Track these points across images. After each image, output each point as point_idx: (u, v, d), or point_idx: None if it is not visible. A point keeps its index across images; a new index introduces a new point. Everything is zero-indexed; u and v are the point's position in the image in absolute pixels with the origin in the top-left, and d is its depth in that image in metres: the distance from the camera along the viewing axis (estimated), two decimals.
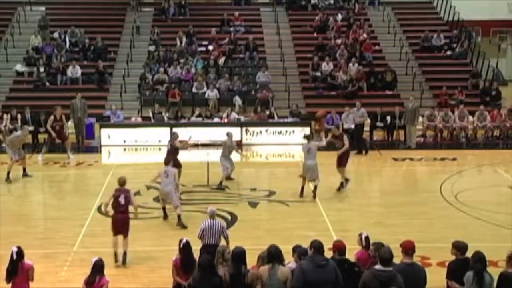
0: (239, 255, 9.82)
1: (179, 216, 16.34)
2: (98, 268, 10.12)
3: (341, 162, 19.57)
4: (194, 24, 34.36)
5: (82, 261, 13.59)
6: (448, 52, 33.66)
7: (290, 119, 27.23)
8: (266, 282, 9.51)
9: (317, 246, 9.64)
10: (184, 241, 11.19)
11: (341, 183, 19.51)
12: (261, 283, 9.52)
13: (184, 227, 16.06)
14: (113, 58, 33.17)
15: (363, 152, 24.58)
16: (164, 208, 16.94)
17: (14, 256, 10.47)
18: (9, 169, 20.52)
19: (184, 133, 25.53)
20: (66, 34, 33.48)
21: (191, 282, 10.01)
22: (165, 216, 16.85)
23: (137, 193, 19.12)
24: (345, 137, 19.86)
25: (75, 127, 26.14)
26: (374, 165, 23.79)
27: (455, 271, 9.95)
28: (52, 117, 24.14)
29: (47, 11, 35.90)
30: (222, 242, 12.14)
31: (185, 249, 11.09)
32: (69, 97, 27.28)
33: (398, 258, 9.71)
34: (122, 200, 13.83)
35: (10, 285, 10.53)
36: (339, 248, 10.13)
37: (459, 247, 10.09)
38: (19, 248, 10.56)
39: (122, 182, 14.18)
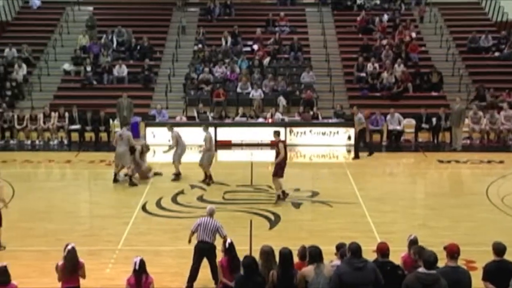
0: (287, 256, 9.83)
1: (130, 177, 19.96)
2: (143, 267, 10.22)
3: (277, 172, 18.30)
4: (239, 24, 34.47)
5: (126, 258, 13.72)
6: (496, 53, 33.18)
7: (334, 120, 27.14)
8: (313, 281, 9.52)
9: (354, 249, 9.57)
10: (229, 241, 11.26)
11: (278, 196, 18.28)
12: (307, 283, 9.54)
13: (134, 184, 19.81)
14: (159, 57, 33.45)
15: (370, 153, 24.20)
16: (116, 174, 20.25)
17: (72, 252, 10.59)
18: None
19: (227, 133, 25.78)
20: (113, 33, 33.86)
21: (235, 282, 10.05)
22: (115, 180, 20.17)
23: (181, 192, 19.31)
24: (281, 145, 18.31)
25: (121, 126, 26.43)
26: (419, 167, 23.61)
27: (490, 273, 9.88)
28: None
29: (95, 11, 36.39)
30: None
31: (230, 249, 11.15)
32: (115, 96, 27.65)
33: (441, 261, 9.62)
34: None
35: (61, 282, 10.70)
36: (381, 250, 10.06)
37: (495, 249, 10.02)
38: (73, 245, 10.71)
39: None
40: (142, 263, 10.21)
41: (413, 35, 33.42)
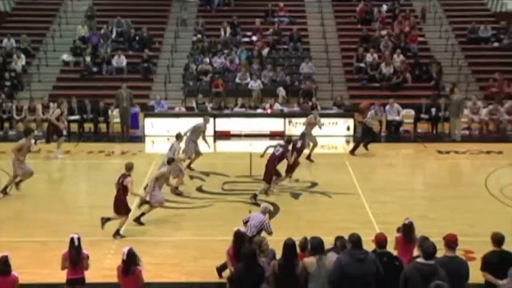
0: (291, 247, 9.89)
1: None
2: (132, 257, 10.23)
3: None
4: (239, 15, 34.40)
5: None
6: (495, 44, 33.15)
7: (333, 111, 27.14)
8: (314, 273, 9.55)
9: (355, 240, 9.60)
10: (235, 230, 11.29)
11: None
12: (308, 274, 9.59)
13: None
14: (158, 48, 33.40)
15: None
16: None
17: (76, 243, 10.67)
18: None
19: (226, 124, 25.82)
20: (112, 24, 33.79)
21: (235, 272, 10.08)
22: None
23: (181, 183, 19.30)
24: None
25: (121, 116, 26.43)
26: (418, 157, 23.61)
27: (488, 263, 9.95)
28: (58, 111, 23.68)
29: (94, 1, 36.29)
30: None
31: (236, 238, 11.15)
32: (115, 86, 27.62)
33: (441, 252, 9.65)
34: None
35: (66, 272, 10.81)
36: (379, 240, 10.10)
37: (493, 239, 10.12)
38: (78, 235, 10.78)
39: (126, 167, 15.24)
40: (130, 253, 10.22)
41: (414, 23, 33.27)
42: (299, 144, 19.17)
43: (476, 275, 10.01)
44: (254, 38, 32.92)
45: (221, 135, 25.71)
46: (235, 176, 20.14)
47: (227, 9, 35.71)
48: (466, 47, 33.17)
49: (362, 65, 31.12)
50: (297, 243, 10.33)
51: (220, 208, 17.16)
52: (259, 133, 25.84)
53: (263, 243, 10.65)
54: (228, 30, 33.19)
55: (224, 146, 25.30)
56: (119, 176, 15.11)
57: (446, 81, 30.37)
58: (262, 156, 18.71)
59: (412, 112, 26.96)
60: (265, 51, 32.01)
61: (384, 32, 32.89)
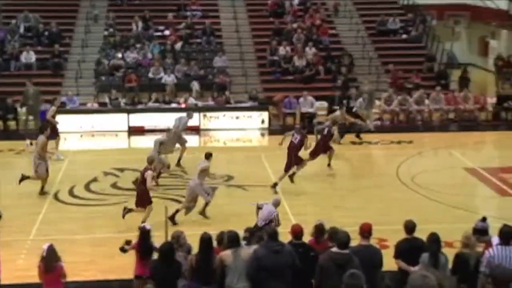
0: (207, 241, 9.89)
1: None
2: (53, 254, 10.03)
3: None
4: (150, 9, 33.99)
5: (39, 249, 13.39)
6: (404, 36, 33.92)
7: (247, 104, 27.23)
8: (231, 265, 9.57)
9: (271, 232, 9.71)
10: (141, 226, 11.18)
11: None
12: (225, 267, 9.61)
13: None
14: (68, 43, 32.68)
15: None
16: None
17: None
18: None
19: (140, 119, 25.58)
20: (20, 19, 32.87)
21: (150, 268, 10.00)
22: None
23: (94, 179, 19.06)
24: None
25: (28, 114, 25.83)
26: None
27: (401, 250, 10.20)
28: (54, 108, 22.53)
29: None
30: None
31: (141, 234, 11.01)
32: (23, 83, 26.93)
33: (356, 241, 9.82)
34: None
35: None
36: (295, 232, 10.21)
37: (406, 227, 10.39)
38: None
39: (148, 161, 15.53)
40: (50, 250, 10.02)
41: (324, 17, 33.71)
42: (325, 132, 20.15)
43: (389, 262, 10.23)
44: (167, 32, 32.66)
45: (135, 131, 25.44)
46: None
47: (138, 3, 35.20)
48: (376, 39, 33.80)
49: (275, 58, 31.28)
50: (213, 237, 10.34)
51: None
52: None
53: (180, 238, 10.59)
54: (140, 24, 32.78)
55: (138, 141, 25.02)
56: (142, 170, 15.23)
57: (357, 73, 30.90)
58: (280, 144, 19.16)
59: (325, 104, 27.32)
60: (178, 45, 31.80)
61: (295, 25, 33.16)
